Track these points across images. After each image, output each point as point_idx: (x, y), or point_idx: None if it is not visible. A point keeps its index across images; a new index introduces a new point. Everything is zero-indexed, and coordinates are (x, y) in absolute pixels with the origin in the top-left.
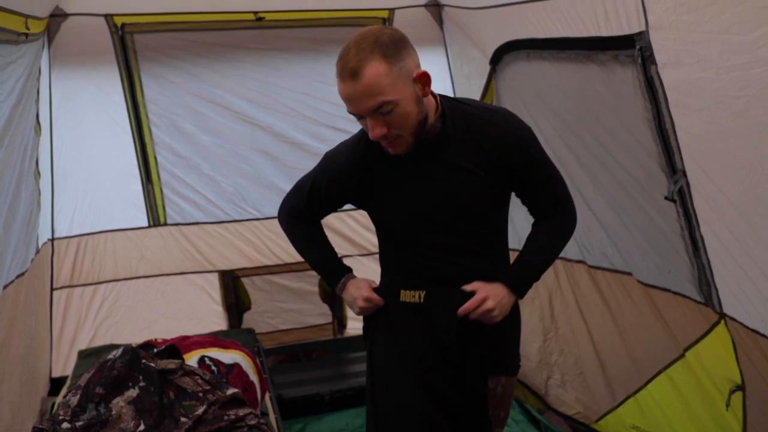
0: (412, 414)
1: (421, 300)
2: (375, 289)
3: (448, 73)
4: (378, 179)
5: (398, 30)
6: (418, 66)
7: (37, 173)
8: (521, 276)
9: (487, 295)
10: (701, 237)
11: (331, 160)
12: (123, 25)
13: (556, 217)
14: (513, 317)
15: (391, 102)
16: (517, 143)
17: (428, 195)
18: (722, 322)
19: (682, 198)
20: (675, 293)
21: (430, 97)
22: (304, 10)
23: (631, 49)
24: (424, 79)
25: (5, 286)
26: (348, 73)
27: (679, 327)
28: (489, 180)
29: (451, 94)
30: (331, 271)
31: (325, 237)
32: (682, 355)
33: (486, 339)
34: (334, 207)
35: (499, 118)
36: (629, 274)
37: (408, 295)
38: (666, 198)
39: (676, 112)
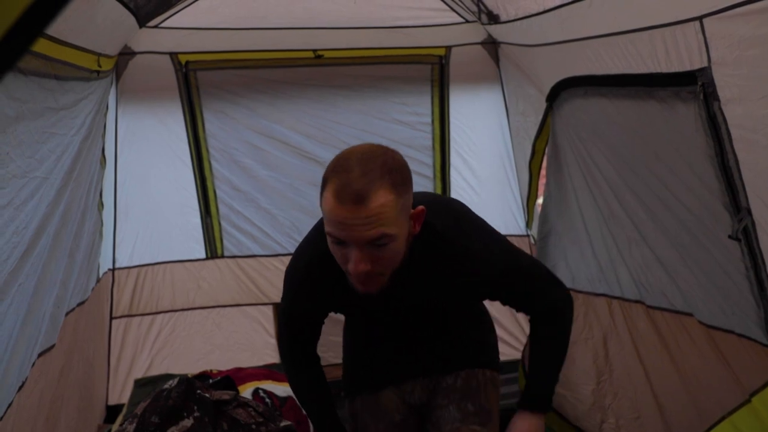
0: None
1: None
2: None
3: (504, 110)
4: (336, 304)
5: (400, 154)
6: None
7: (101, 204)
8: (539, 397)
9: None
10: (767, 277)
11: (290, 298)
12: (187, 62)
13: (551, 321)
14: (472, 324)
15: (390, 236)
16: (497, 282)
17: (391, 312)
18: None
19: (746, 237)
20: (739, 335)
21: None
22: (362, 48)
23: (693, 85)
24: (421, 216)
25: (67, 314)
26: (350, 197)
27: (744, 371)
28: (459, 297)
29: (507, 131)
30: (322, 428)
31: (322, 387)
32: (748, 401)
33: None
34: (315, 323)
35: (474, 259)
36: (690, 314)
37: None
38: (730, 237)
39: (740, 149)
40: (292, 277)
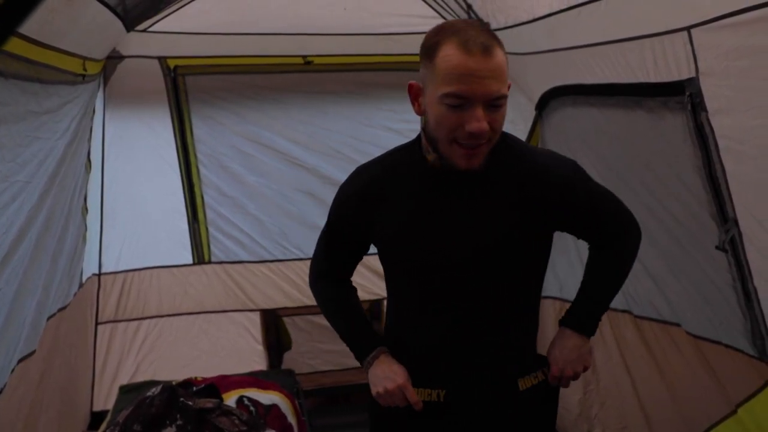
0: None
1: (441, 399)
2: None
3: None
4: (393, 202)
5: None
6: None
7: (85, 209)
8: (589, 316)
9: (559, 367)
10: (754, 288)
11: (342, 188)
12: (176, 67)
13: (616, 245)
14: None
15: (505, 97)
16: (564, 185)
17: (450, 228)
18: None
19: (733, 248)
20: (726, 346)
21: None
22: (351, 55)
23: (681, 95)
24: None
25: (48, 319)
26: (479, 47)
27: (730, 382)
28: (526, 222)
29: None
30: (360, 339)
31: (354, 300)
32: (734, 412)
33: None
34: (358, 245)
35: (543, 158)
36: (678, 325)
37: (423, 394)
38: (717, 247)
39: (728, 160)
40: (355, 176)
